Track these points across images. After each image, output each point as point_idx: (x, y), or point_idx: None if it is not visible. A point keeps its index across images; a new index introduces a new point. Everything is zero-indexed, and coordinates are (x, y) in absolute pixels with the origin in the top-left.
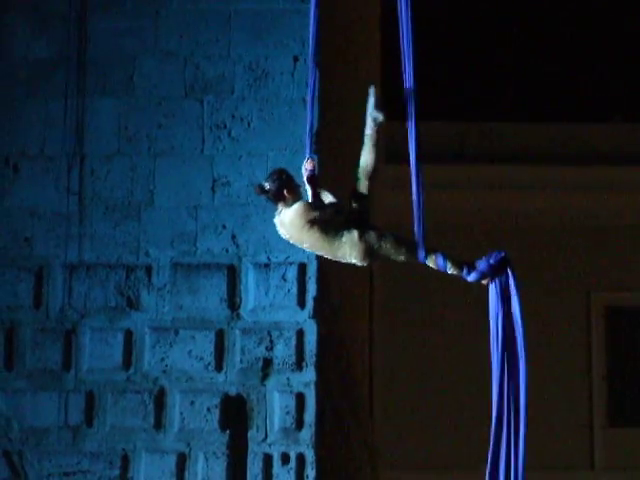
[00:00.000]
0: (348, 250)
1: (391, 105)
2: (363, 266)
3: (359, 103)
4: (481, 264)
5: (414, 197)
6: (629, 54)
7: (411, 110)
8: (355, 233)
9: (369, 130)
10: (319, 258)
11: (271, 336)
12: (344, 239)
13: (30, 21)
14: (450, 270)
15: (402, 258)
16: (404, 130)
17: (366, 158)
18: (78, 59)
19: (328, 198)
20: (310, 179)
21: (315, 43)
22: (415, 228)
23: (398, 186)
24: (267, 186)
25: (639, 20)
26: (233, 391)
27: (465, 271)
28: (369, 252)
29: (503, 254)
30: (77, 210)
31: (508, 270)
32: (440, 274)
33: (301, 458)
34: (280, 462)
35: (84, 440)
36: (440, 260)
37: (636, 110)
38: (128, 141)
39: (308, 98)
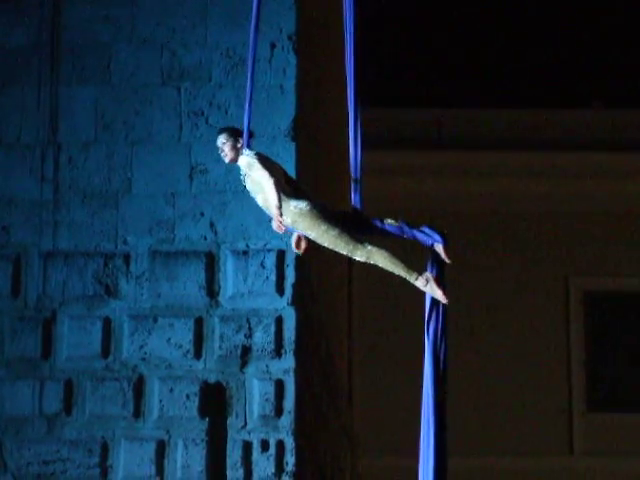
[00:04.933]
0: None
1: (372, 91)
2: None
3: (336, 87)
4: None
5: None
6: (610, 40)
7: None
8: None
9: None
10: None
11: (250, 323)
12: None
13: (5, 9)
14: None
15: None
16: (385, 116)
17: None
18: (55, 47)
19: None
20: None
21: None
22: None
23: (375, 172)
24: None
25: (619, 5)
26: (212, 378)
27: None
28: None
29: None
30: (55, 198)
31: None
32: (422, 261)
33: (281, 445)
34: (260, 449)
35: (63, 428)
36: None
37: (616, 96)
38: (105, 129)
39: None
